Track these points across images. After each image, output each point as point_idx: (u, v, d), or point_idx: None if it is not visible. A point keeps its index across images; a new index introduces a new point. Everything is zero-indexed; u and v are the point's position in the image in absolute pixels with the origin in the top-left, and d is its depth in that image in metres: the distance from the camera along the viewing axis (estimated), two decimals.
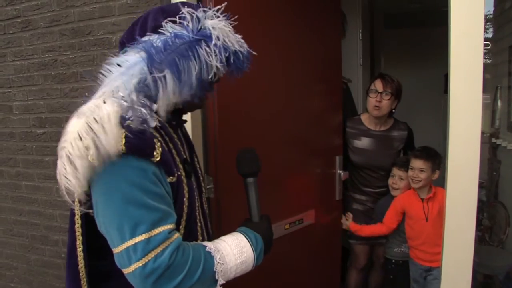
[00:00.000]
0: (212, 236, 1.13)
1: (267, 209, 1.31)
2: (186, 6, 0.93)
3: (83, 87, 1.87)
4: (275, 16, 1.73)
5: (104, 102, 0.84)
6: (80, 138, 0.80)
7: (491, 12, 2.73)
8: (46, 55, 1.95)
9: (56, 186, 2.06)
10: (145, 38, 0.90)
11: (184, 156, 1.03)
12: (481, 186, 2.51)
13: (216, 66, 0.91)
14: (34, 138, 2.07)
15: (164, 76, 0.86)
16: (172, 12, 0.94)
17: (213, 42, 0.90)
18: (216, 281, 0.92)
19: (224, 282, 0.94)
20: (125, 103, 0.84)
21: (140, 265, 0.81)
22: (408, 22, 4.20)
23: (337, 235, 2.27)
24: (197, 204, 1.05)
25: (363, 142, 2.24)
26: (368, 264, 2.43)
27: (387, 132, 2.24)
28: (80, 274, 0.95)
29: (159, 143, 0.89)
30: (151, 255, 0.82)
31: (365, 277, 2.48)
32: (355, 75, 3.04)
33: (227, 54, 0.93)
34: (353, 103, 2.66)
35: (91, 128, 0.80)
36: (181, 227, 0.98)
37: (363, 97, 2.71)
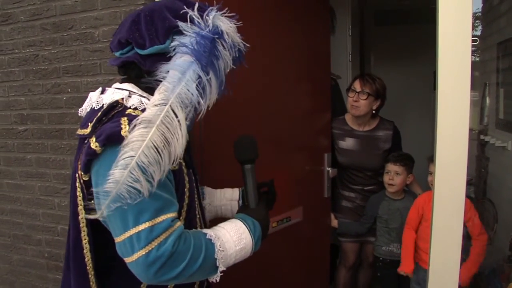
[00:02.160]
0: (209, 227, 1.12)
1: None
2: (190, 4, 0.93)
3: (65, 83, 1.82)
4: (262, 12, 1.70)
5: (171, 108, 0.85)
6: (156, 148, 0.82)
7: (479, 9, 2.74)
8: (27, 50, 1.89)
9: (39, 184, 2.02)
10: (174, 43, 0.90)
11: None
12: (469, 183, 2.53)
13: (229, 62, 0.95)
14: (16, 135, 2.01)
15: (210, 78, 0.90)
16: (177, 9, 0.93)
17: (226, 39, 0.92)
18: (216, 268, 0.93)
19: (224, 268, 0.96)
20: (188, 108, 0.88)
21: (144, 253, 0.81)
22: (398, 19, 4.19)
23: (326, 233, 2.26)
24: (195, 196, 1.06)
25: (348, 143, 2.23)
26: (357, 262, 2.43)
27: (371, 132, 2.23)
28: (87, 267, 0.95)
29: None
30: (155, 243, 0.82)
31: (354, 275, 2.48)
32: (344, 72, 3.03)
33: (236, 50, 0.96)
34: (342, 99, 2.64)
35: (165, 137, 0.83)
36: (181, 218, 0.97)
37: None
